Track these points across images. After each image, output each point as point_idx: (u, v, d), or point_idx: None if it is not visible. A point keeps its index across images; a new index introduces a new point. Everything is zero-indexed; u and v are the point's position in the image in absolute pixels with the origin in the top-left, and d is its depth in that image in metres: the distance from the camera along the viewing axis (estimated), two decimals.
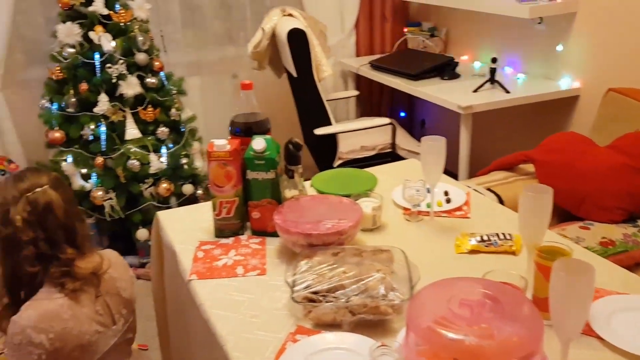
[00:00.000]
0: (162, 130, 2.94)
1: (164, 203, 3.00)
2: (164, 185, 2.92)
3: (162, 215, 1.68)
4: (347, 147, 3.00)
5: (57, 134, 2.82)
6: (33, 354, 1.30)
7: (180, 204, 3.06)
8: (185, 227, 1.60)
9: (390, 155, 2.97)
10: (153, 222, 1.71)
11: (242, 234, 1.55)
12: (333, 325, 1.14)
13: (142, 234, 2.91)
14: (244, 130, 1.54)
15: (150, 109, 2.90)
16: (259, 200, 1.50)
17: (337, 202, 1.47)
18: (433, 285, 1.06)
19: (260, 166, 1.46)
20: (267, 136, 1.49)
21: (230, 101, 3.78)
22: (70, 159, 2.86)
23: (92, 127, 2.82)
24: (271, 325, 1.17)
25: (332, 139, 2.95)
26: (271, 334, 1.14)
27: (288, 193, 1.53)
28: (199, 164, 3.17)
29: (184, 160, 3.05)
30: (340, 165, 2.97)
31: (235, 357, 1.08)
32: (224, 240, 1.53)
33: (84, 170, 2.88)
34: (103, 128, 2.83)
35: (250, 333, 1.15)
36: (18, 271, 1.36)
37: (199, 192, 3.14)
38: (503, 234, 1.42)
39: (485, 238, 1.41)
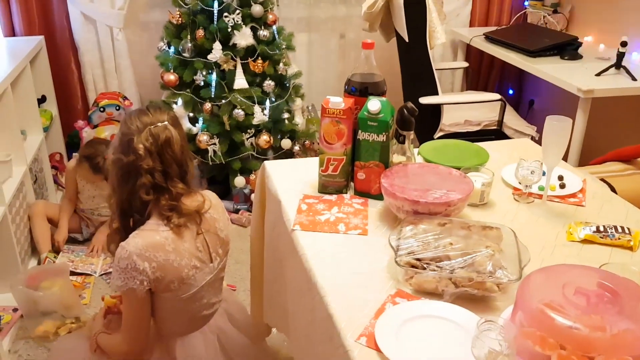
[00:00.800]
0: (268, 84, 2.99)
1: (262, 154, 3.08)
2: (264, 138, 2.99)
3: (270, 165, 1.72)
4: (450, 120, 2.92)
5: (172, 77, 2.94)
6: (136, 279, 1.39)
7: (276, 157, 3.13)
8: (290, 179, 1.64)
9: (495, 133, 2.87)
10: (260, 169, 1.76)
11: (346, 193, 1.56)
12: (433, 294, 1.13)
13: (239, 181, 3.01)
14: (359, 89, 1.53)
15: (259, 61, 2.95)
16: (366, 162, 1.50)
17: (447, 173, 1.44)
18: (548, 269, 1.03)
19: (373, 128, 1.46)
20: (383, 98, 1.48)
21: (335, 61, 3.77)
22: (180, 101, 2.98)
23: (204, 73, 2.91)
24: (371, 285, 1.18)
25: (436, 109, 2.88)
26: (371, 292, 1.15)
27: (396, 158, 1.52)
28: (299, 120, 3.21)
29: (286, 115, 3.10)
30: (441, 137, 2.91)
31: (335, 309, 1.11)
32: (327, 197, 1.54)
33: (192, 114, 3.00)
34: (214, 75, 2.92)
35: (350, 289, 1.17)
36: (132, 198, 1.45)
37: (296, 148, 3.18)
38: (621, 227, 1.34)
39: (601, 229, 1.33)
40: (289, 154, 3.20)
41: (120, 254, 1.39)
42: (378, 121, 1.45)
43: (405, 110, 1.48)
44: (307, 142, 3.25)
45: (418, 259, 1.15)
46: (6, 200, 2.28)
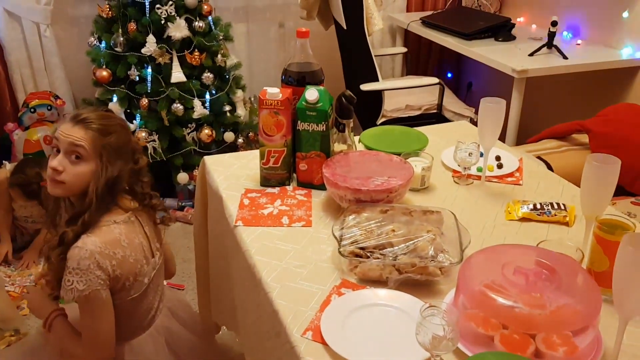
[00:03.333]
0: (207, 76, 2.92)
1: (204, 149, 3.02)
2: (205, 131, 2.93)
3: (209, 160, 1.68)
4: (392, 105, 2.94)
5: (104, 73, 2.83)
6: (100, 279, 1.32)
7: (219, 151, 3.08)
8: (231, 174, 1.60)
9: (435, 117, 2.91)
10: (200, 165, 1.71)
11: (288, 185, 1.54)
12: (378, 282, 1.13)
13: (182, 177, 2.94)
14: (297, 79, 1.51)
15: (196, 53, 2.87)
16: (307, 152, 1.48)
17: (387, 159, 1.44)
18: (487, 250, 1.04)
19: (312, 117, 1.44)
20: (321, 87, 1.46)
21: (276, 50, 3.73)
22: (115, 98, 2.87)
23: (139, 67, 2.82)
24: (316, 277, 1.17)
25: (377, 95, 2.90)
26: (316, 285, 1.14)
27: (337, 147, 1.51)
28: (241, 112, 3.15)
29: (227, 108, 3.04)
30: (383, 123, 2.92)
31: (281, 304, 1.09)
32: (269, 190, 1.52)
33: (129, 111, 2.90)
34: (149, 69, 2.82)
35: (295, 282, 1.15)
36: (119, 182, 1.40)
37: (240, 140, 3.13)
38: (557, 203, 1.38)
39: (538, 206, 1.37)
40: (232, 147, 3.14)
41: (80, 255, 1.31)
42: (317, 110, 1.43)
43: (343, 99, 1.46)
44: (250, 134, 3.21)
45: (362, 248, 1.14)
46: None
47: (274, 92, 1.44)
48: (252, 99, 3.51)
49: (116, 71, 2.83)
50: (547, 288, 0.96)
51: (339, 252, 1.14)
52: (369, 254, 1.13)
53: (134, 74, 2.81)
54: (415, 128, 1.78)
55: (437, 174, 1.57)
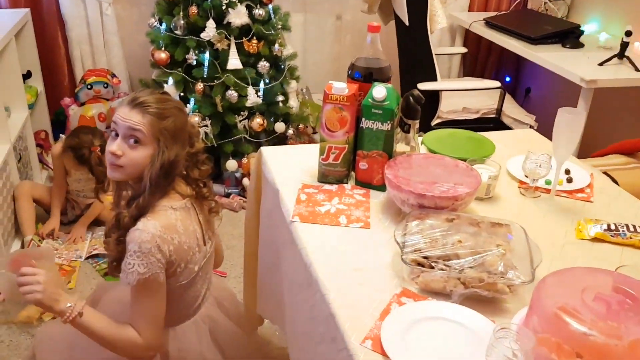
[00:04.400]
0: (263, 65, 2.90)
1: (255, 137, 3.01)
2: (257, 120, 2.92)
3: (266, 151, 1.65)
4: (448, 107, 2.86)
5: (163, 55, 2.84)
6: (160, 262, 1.31)
7: (269, 141, 3.06)
8: (288, 167, 1.57)
9: (493, 121, 2.81)
10: (256, 156, 1.69)
11: (346, 183, 1.50)
12: (440, 294, 1.08)
13: (231, 164, 2.93)
14: (364, 75, 1.46)
15: (254, 41, 2.86)
16: (368, 151, 1.44)
17: (453, 165, 1.39)
18: (563, 272, 0.98)
19: (377, 116, 1.39)
20: (389, 85, 1.41)
21: (331, 43, 3.69)
22: (171, 81, 2.88)
23: (197, 52, 2.82)
24: (375, 282, 1.12)
25: (434, 95, 2.82)
26: (375, 291, 1.10)
27: (400, 147, 1.46)
28: (294, 103, 3.13)
29: (280, 98, 3.02)
30: (438, 125, 2.85)
31: (338, 308, 1.05)
32: (327, 186, 1.48)
33: (183, 94, 2.91)
34: (207, 54, 2.82)
35: (354, 286, 1.11)
36: (175, 166, 1.38)
37: (290, 131, 3.11)
38: (633, 225, 1.30)
39: (612, 227, 1.29)
40: (282, 138, 3.12)
41: (141, 238, 1.29)
42: (383, 109, 1.38)
43: (411, 98, 1.41)
44: (300, 125, 3.18)
45: (425, 257, 1.09)
46: None
47: (341, 87, 1.40)
48: (305, 90, 3.49)
49: (174, 54, 2.84)
50: (629, 319, 0.89)
51: (402, 260, 1.10)
52: (432, 264, 1.08)
53: (191, 57, 2.81)
54: (479, 133, 1.71)
55: (502, 184, 1.51)
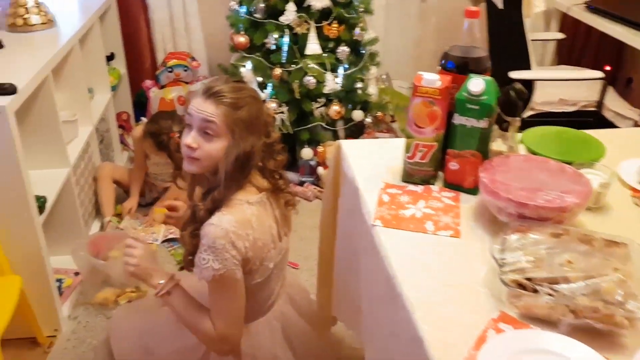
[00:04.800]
0: (343, 50, 2.79)
1: (331, 125, 2.91)
2: (335, 108, 2.82)
3: (346, 145, 1.55)
4: (543, 97, 2.64)
5: (242, 39, 2.79)
6: (235, 259, 1.26)
7: (346, 129, 2.95)
8: (369, 163, 1.46)
9: (592, 115, 2.57)
10: (334, 149, 1.59)
11: (433, 184, 1.37)
12: (544, 322, 0.95)
13: (306, 153, 2.86)
14: (458, 65, 1.32)
15: (335, 24, 2.75)
16: (461, 150, 1.30)
17: (558, 169, 1.23)
18: None
19: (473, 112, 1.25)
20: (487, 77, 1.26)
21: (413, 27, 3.51)
22: (249, 65, 2.83)
23: (276, 36, 2.74)
24: (468, 303, 1.00)
25: (526, 85, 2.59)
26: (468, 313, 0.97)
27: (496, 147, 1.31)
28: (373, 90, 3.00)
29: (359, 85, 2.90)
30: (532, 117, 2.64)
31: (426, 330, 0.94)
32: (412, 187, 1.36)
33: (261, 80, 2.85)
34: (286, 39, 2.74)
35: (443, 305, 0.99)
36: (251, 158, 1.32)
37: (368, 120, 2.99)
38: None
39: None
40: (359, 126, 3.01)
41: (215, 233, 1.25)
42: (480, 104, 1.24)
43: (512, 92, 1.26)
44: (379, 113, 3.05)
45: (528, 279, 0.96)
46: (71, 162, 2.23)
47: (432, 78, 1.27)
48: (384, 77, 3.35)
49: (254, 38, 2.78)
50: None
51: (500, 279, 0.97)
52: (536, 287, 0.94)
53: (270, 42, 2.74)
54: (585, 131, 1.52)
55: (613, 191, 1.32)
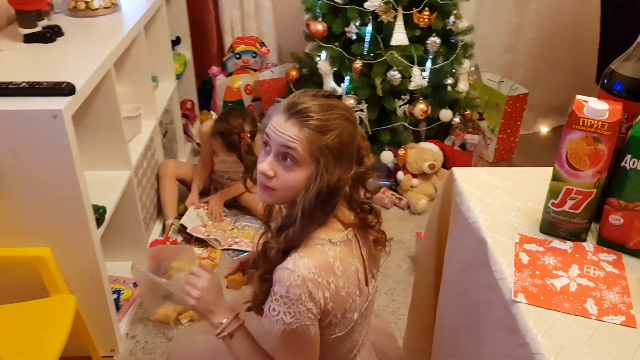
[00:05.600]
0: (433, 41, 2.47)
1: (413, 125, 2.60)
2: (420, 106, 2.51)
3: (460, 175, 1.25)
4: None
5: (320, 26, 2.50)
6: (311, 312, 1.03)
7: (430, 130, 2.64)
8: (494, 202, 1.17)
9: None
10: (446, 177, 1.30)
11: (585, 240, 1.07)
12: None
13: (386, 156, 2.57)
14: (629, 89, 1.00)
15: (426, 12, 2.42)
16: (631, 202, 0.99)
17: None
18: None
19: None
20: None
21: (509, 12, 3.12)
22: (325, 55, 2.55)
23: (358, 24, 2.44)
24: None
25: None
26: None
27: None
28: (464, 87, 2.66)
29: (449, 81, 2.57)
30: None
31: None
32: (557, 243, 1.06)
33: (337, 71, 2.57)
34: (369, 28, 2.44)
35: None
36: (337, 193, 1.08)
37: (456, 119, 2.66)
38: None
39: None
40: (445, 126, 2.69)
41: (290, 281, 1.02)
42: None
43: None
44: (467, 112, 2.71)
45: None
46: (133, 164, 2.03)
47: (599, 107, 0.95)
48: (473, 69, 2.99)
49: (332, 25, 2.49)
50: None
51: None
52: None
53: (351, 31, 2.45)
54: None
55: None
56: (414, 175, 2.60)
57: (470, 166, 2.61)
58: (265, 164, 1.08)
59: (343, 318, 1.12)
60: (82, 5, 2.08)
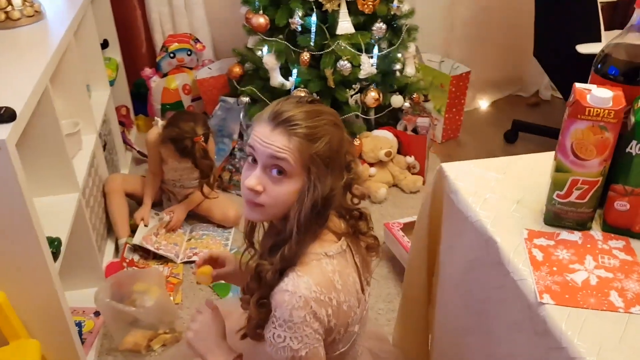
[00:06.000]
0: (379, 27, 2.42)
1: (366, 114, 2.56)
2: (372, 94, 2.47)
3: (450, 171, 1.22)
4: None
5: (262, 20, 2.40)
6: (317, 333, 0.98)
7: (381, 117, 2.61)
8: (492, 198, 1.14)
9: None
10: (434, 176, 1.26)
11: (590, 228, 1.06)
12: None
13: None
14: (624, 72, 0.99)
15: None
16: (635, 187, 0.98)
17: None
18: None
19: None
20: None
21: None
22: (267, 49, 2.45)
23: (302, 14, 2.36)
24: None
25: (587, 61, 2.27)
26: None
27: None
28: (411, 71, 2.64)
29: (397, 67, 2.54)
30: None
31: None
32: (565, 234, 1.04)
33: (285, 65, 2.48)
34: (314, 18, 2.36)
35: None
36: (331, 203, 1.01)
37: (406, 104, 2.64)
38: None
39: None
40: (394, 112, 2.67)
41: (292, 304, 0.95)
42: None
43: None
44: (415, 95, 2.70)
45: None
46: (80, 185, 1.86)
47: (604, 95, 0.93)
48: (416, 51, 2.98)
49: (275, 18, 2.39)
50: None
51: None
52: None
53: (296, 22, 2.36)
54: None
55: None
56: (371, 165, 2.57)
57: (425, 149, 2.60)
58: (252, 179, 1.00)
59: (346, 332, 1.07)
60: (2, 16, 1.86)
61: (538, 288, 0.92)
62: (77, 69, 2.07)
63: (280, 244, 1.02)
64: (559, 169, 1.01)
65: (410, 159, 2.60)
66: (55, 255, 1.56)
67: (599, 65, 1.02)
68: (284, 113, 0.98)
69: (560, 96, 3.43)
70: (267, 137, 0.98)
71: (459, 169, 1.23)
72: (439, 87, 2.95)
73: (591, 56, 1.10)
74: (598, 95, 0.94)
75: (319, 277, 0.99)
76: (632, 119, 0.94)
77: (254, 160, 1.01)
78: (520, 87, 3.57)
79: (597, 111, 0.94)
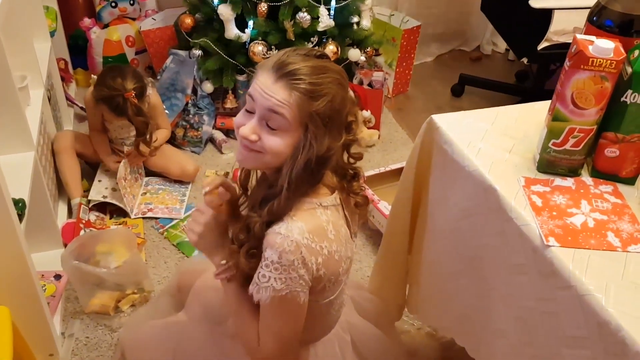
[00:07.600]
0: None
1: None
2: (330, 47, 2.43)
3: (443, 122, 1.24)
4: (559, 26, 2.40)
5: None
6: (302, 279, 0.99)
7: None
8: (486, 147, 1.17)
9: None
10: (423, 128, 1.28)
11: (580, 174, 1.11)
12: None
13: None
14: (619, 24, 1.03)
15: None
16: (627, 134, 1.04)
17: None
18: None
19: None
20: None
21: None
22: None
23: None
24: None
25: (543, 13, 2.35)
26: None
27: None
28: (367, 23, 2.62)
29: (355, 19, 2.51)
30: (546, 49, 2.41)
31: None
32: (559, 181, 1.09)
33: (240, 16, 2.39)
34: None
35: None
36: (325, 163, 1.02)
37: (362, 58, 2.63)
38: None
39: None
40: (348, 65, 2.65)
41: (283, 246, 0.96)
42: None
43: None
44: (369, 49, 2.69)
45: None
46: (34, 141, 1.74)
47: (607, 47, 0.97)
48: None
49: None
50: None
51: None
52: None
53: None
54: None
55: None
56: None
57: (381, 103, 2.62)
58: (247, 128, 0.99)
59: (336, 282, 1.09)
60: None
61: (543, 232, 0.97)
62: (20, 18, 1.91)
63: (270, 198, 1.02)
64: (556, 118, 1.05)
65: (367, 113, 2.60)
66: (21, 217, 1.47)
67: (595, 18, 1.06)
68: (289, 65, 0.96)
69: (501, 51, 3.55)
70: (268, 88, 0.96)
71: (449, 120, 1.25)
72: (390, 41, 2.96)
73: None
74: (601, 45, 0.97)
75: (313, 224, 1.00)
76: (629, 70, 0.99)
77: (251, 108, 0.99)
78: (462, 42, 3.64)
79: (599, 61, 0.97)
